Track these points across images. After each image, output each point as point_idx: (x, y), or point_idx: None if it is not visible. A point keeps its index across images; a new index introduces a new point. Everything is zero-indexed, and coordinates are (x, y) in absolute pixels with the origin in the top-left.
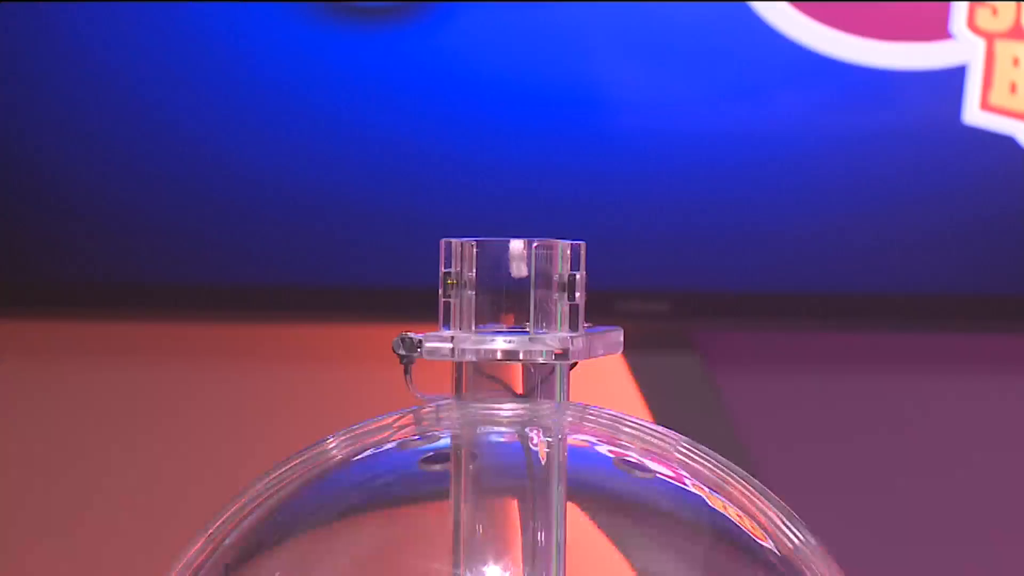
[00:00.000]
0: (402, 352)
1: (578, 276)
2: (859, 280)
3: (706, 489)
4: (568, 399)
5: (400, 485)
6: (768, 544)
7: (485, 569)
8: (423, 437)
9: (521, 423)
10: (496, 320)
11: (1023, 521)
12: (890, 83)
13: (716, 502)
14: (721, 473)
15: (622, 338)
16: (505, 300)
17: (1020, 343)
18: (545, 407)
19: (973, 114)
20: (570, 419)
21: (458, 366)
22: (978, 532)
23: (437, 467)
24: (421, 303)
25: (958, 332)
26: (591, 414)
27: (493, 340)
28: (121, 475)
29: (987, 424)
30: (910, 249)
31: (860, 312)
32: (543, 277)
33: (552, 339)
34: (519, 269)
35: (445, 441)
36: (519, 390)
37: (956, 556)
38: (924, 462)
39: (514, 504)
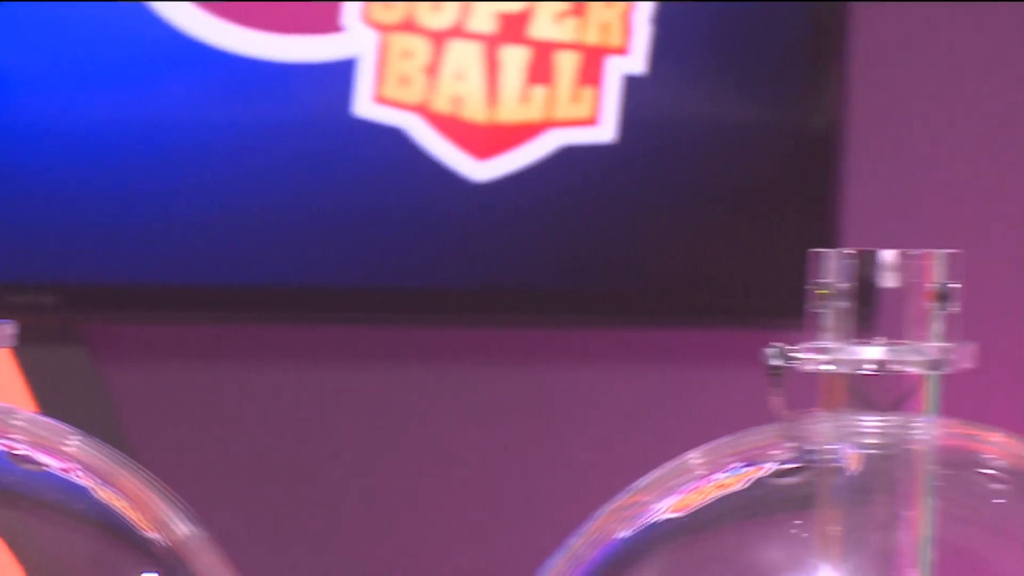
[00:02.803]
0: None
1: None
2: (268, 271)
3: (95, 481)
4: None
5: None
6: (155, 535)
7: None
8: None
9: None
10: None
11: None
12: (280, 75)
13: (104, 494)
14: (110, 465)
15: (13, 332)
16: None
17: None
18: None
19: (365, 106)
20: None
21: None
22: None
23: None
24: None
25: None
26: None
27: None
28: None
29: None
30: (311, 240)
31: (274, 304)
32: None
33: None
34: None
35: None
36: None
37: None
38: (337, 457)
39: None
